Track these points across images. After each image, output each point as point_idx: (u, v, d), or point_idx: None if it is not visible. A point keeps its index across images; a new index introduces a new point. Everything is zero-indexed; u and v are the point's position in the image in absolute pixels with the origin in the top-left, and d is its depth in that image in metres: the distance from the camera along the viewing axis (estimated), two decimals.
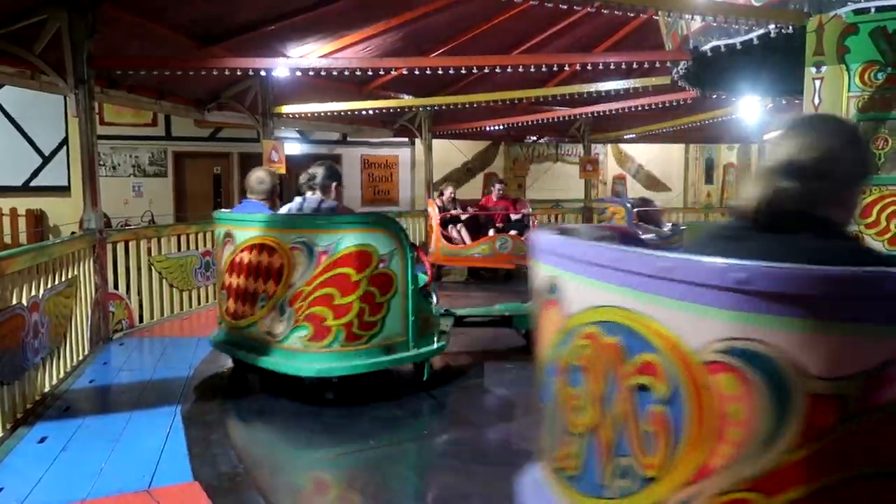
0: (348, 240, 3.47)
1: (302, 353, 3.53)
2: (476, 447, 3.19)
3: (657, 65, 6.44)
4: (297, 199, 3.98)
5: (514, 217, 9.13)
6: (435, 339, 3.93)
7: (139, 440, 3.07)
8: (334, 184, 3.97)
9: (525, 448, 2.96)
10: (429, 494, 2.80)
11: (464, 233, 8.89)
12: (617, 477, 1.21)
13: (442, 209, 8.96)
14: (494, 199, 9.41)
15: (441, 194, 9.30)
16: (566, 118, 10.52)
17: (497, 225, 9.11)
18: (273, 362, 3.60)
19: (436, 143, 10.96)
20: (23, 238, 10.29)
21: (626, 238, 3.43)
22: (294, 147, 12.25)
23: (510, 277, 8.53)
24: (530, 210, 9.16)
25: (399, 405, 3.66)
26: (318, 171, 3.94)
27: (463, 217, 9.10)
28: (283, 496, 2.61)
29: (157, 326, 5.69)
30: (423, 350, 3.80)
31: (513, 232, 8.69)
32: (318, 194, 3.94)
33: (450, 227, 8.90)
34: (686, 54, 5.97)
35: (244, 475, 2.70)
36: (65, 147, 11.17)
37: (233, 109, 8.36)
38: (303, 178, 3.99)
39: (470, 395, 4.00)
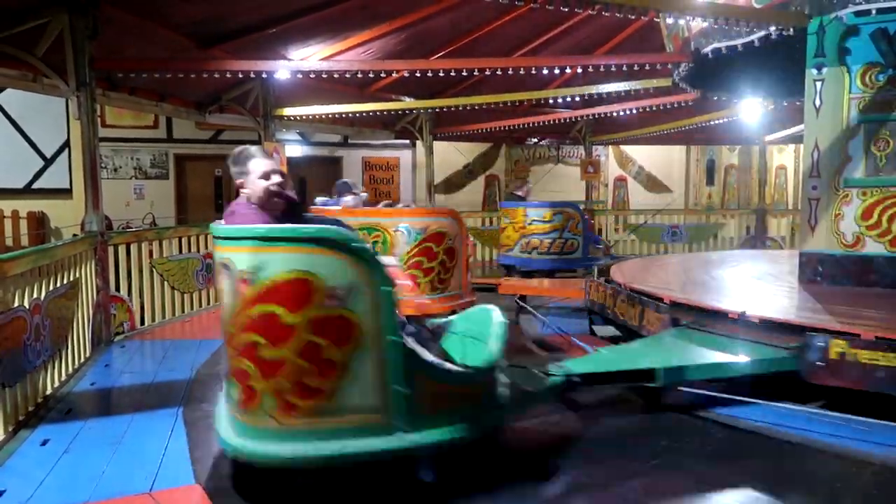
0: (277, 263, 2.29)
1: (236, 421, 2.47)
2: None
3: (658, 67, 6.46)
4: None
5: None
6: (453, 418, 2.46)
7: (141, 443, 3.06)
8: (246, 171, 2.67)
9: None
10: None
11: None
12: None
13: None
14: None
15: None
16: (567, 120, 10.53)
17: None
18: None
19: (437, 144, 10.96)
20: (24, 240, 10.28)
21: None
22: (295, 149, 12.26)
23: None
24: None
25: None
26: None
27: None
28: (283, 499, 2.60)
29: (158, 329, 5.69)
30: (423, 438, 2.36)
31: None
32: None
33: None
34: (687, 56, 5.98)
35: (246, 478, 2.69)
36: (66, 149, 11.17)
37: (234, 111, 8.37)
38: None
39: None
